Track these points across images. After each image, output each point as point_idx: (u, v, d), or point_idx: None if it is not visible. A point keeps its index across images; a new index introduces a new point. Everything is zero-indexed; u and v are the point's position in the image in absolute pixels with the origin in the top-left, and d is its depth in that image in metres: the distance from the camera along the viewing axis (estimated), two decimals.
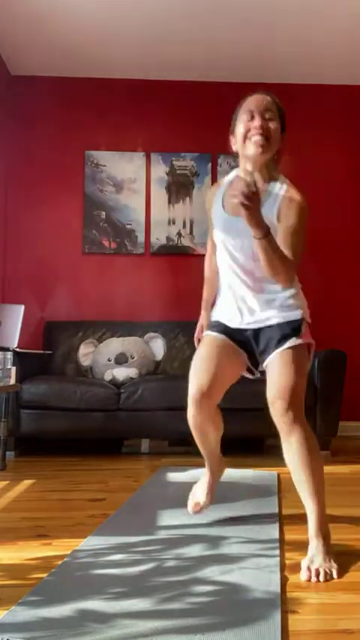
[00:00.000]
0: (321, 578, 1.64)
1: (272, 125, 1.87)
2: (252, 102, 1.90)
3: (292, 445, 1.78)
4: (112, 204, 4.51)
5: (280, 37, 4.01)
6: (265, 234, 1.72)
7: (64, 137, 4.53)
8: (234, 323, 1.96)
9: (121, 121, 4.57)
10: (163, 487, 2.67)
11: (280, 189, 1.88)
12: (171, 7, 3.69)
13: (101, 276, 4.47)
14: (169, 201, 4.51)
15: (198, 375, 1.93)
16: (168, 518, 2.18)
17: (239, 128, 1.90)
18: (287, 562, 1.75)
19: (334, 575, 1.66)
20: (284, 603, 1.44)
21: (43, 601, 1.42)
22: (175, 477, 2.88)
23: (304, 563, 1.70)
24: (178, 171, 4.55)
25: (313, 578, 1.63)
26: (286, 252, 1.79)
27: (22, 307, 3.58)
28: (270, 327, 1.90)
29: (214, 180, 4.50)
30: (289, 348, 1.86)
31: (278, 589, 1.52)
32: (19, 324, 3.53)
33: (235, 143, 1.94)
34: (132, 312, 4.36)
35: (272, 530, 2.03)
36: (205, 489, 2.14)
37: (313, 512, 1.78)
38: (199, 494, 2.15)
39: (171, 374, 4.00)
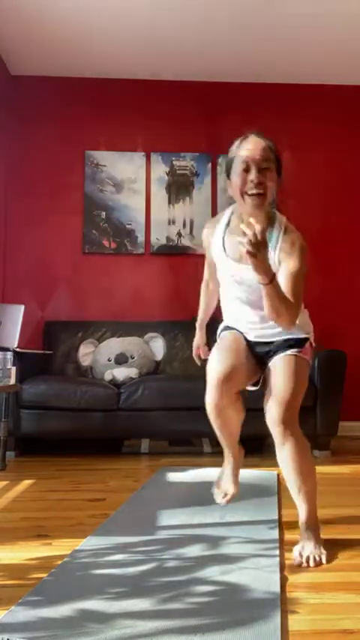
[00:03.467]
0: (311, 563, 1.74)
1: (269, 176, 1.82)
2: (247, 150, 1.82)
3: (284, 451, 1.85)
4: (112, 204, 4.51)
5: (279, 37, 4.01)
6: (271, 280, 1.71)
7: (64, 137, 4.53)
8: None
9: (121, 121, 4.57)
10: (163, 487, 2.67)
11: (279, 232, 1.87)
12: (170, 8, 3.69)
13: (101, 276, 4.48)
14: (169, 201, 4.52)
15: (220, 362, 1.90)
16: (168, 518, 2.18)
17: (235, 179, 1.84)
18: (287, 562, 1.75)
19: (324, 560, 1.76)
20: (284, 603, 1.44)
21: (43, 601, 1.42)
22: (175, 476, 2.88)
23: (296, 549, 1.81)
24: (178, 171, 4.55)
25: (304, 564, 1.74)
26: (289, 295, 1.78)
27: (22, 307, 3.59)
28: (276, 341, 1.95)
29: (214, 180, 4.51)
30: (292, 355, 1.91)
31: (278, 589, 1.52)
32: (19, 324, 3.53)
33: (231, 188, 1.89)
34: (132, 312, 4.36)
35: (272, 530, 2.03)
36: (230, 479, 2.14)
37: (304, 510, 1.87)
38: (226, 484, 2.15)
39: (171, 374, 4.00)
